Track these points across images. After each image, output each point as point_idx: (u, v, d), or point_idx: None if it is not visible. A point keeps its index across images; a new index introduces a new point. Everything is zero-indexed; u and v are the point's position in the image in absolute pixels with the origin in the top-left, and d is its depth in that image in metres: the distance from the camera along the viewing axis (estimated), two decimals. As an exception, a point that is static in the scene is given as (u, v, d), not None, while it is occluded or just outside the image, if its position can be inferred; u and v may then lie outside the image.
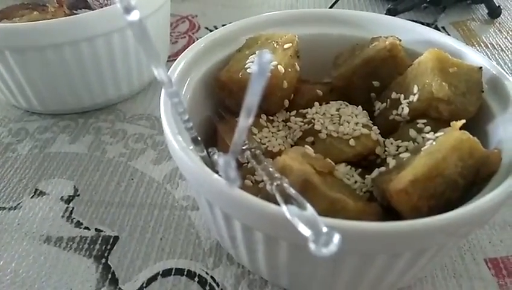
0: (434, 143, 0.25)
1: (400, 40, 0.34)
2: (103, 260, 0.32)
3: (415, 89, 0.30)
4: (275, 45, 0.33)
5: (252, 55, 0.33)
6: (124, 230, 0.34)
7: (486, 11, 0.66)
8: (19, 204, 0.36)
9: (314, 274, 0.25)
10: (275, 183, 0.22)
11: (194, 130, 0.26)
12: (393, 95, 0.32)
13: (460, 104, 0.29)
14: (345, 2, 0.69)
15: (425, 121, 0.29)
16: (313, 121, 0.32)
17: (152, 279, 0.31)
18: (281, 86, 0.32)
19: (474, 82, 0.30)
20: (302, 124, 0.32)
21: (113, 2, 0.43)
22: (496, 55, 0.57)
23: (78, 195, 0.37)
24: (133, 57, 0.44)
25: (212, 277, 0.31)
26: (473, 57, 0.32)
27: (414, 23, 0.37)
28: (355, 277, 0.24)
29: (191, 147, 0.26)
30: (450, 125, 0.28)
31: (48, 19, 0.40)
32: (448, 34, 0.61)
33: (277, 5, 0.70)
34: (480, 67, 0.30)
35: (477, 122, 0.30)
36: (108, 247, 0.33)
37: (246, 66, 0.32)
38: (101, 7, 0.44)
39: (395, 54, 0.33)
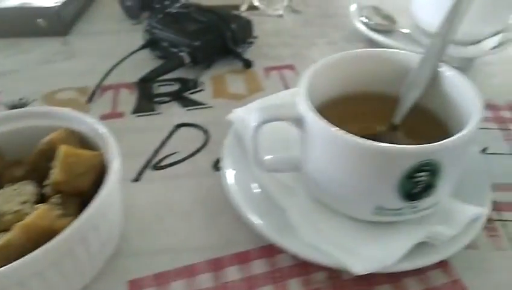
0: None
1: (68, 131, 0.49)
2: None
3: (52, 173, 0.44)
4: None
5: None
6: None
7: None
8: None
9: None
10: None
11: None
12: (51, 174, 0.46)
13: (76, 183, 0.44)
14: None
15: (59, 195, 0.44)
16: (-3, 200, 0.45)
17: None
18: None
19: (92, 166, 0.45)
20: (-7, 202, 0.46)
21: None
22: (230, 105, 0.71)
23: None
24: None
25: None
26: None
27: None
28: None
29: None
30: (76, 196, 0.43)
31: None
32: (202, 89, 0.77)
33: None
34: (101, 153, 0.45)
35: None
36: None
37: None
38: None
39: (53, 147, 0.47)
